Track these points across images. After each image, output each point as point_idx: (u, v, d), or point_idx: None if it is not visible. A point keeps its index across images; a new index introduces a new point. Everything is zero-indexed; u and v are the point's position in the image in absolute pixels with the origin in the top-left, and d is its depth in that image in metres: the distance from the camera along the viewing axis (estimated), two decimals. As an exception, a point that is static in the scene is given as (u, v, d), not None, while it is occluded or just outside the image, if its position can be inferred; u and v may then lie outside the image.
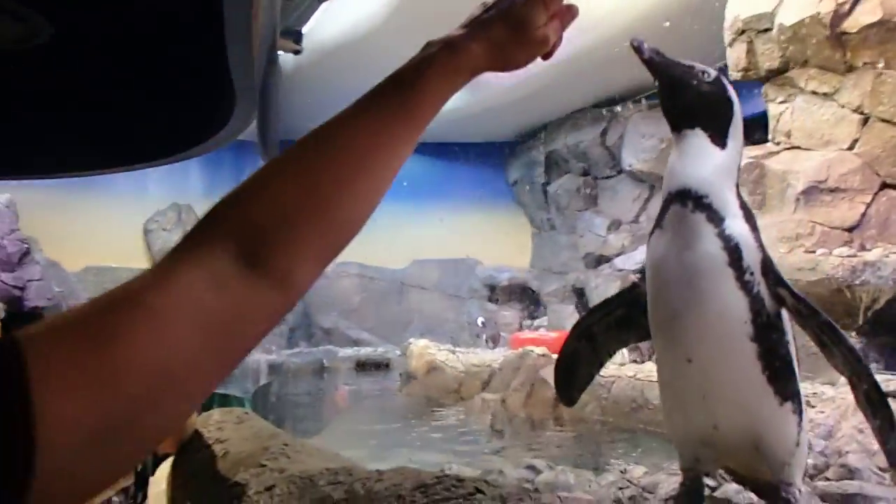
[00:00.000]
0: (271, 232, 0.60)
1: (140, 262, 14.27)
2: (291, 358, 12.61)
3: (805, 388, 2.06)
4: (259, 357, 12.07)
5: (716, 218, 1.56)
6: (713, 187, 1.59)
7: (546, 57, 0.78)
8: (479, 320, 13.36)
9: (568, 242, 13.27)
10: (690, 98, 1.66)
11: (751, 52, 7.37)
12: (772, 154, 7.22)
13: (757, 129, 8.19)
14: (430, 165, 14.30)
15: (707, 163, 1.62)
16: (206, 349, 0.56)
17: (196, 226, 0.63)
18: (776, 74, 7.34)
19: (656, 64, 1.66)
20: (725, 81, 1.70)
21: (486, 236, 14.24)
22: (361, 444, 6.13)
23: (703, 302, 1.56)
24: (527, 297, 14.15)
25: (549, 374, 7.81)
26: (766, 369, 1.55)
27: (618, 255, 11.57)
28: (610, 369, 6.41)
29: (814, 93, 7.05)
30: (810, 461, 2.47)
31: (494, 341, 12.60)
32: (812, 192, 6.79)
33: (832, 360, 1.55)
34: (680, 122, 1.68)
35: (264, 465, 2.19)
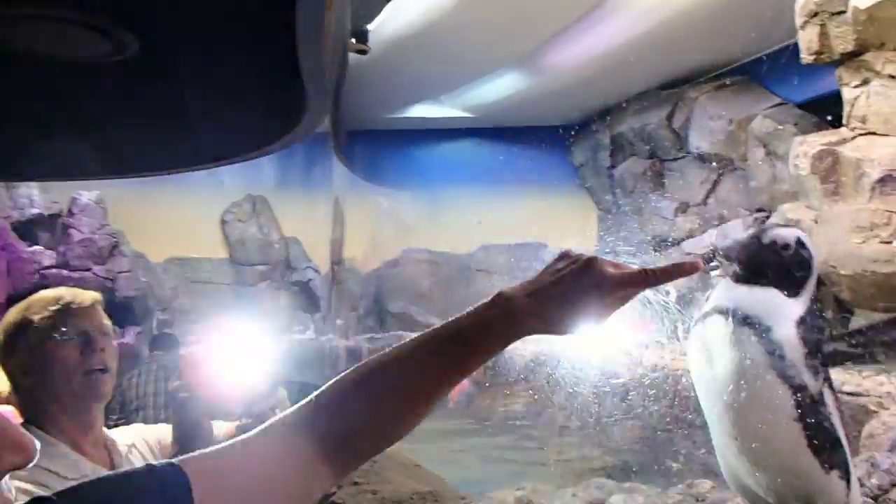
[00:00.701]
0: (342, 435, 0.78)
1: (218, 252, 14.92)
2: (365, 343, 13.02)
3: (881, 381, 2.15)
4: (337, 343, 12.51)
5: (761, 329, 1.68)
6: (766, 314, 1.70)
7: None
8: (546, 304, 13.44)
9: (635, 225, 13.17)
10: (771, 271, 1.77)
11: (823, 34, 7.16)
12: (846, 140, 7.04)
13: (831, 109, 7.98)
14: (494, 150, 14.36)
15: (771, 302, 1.73)
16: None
17: (295, 410, 0.80)
18: (851, 58, 7.12)
19: (742, 259, 1.78)
20: (805, 240, 1.80)
21: (552, 220, 14.25)
22: (440, 438, 6.35)
23: (746, 398, 1.69)
24: (593, 281, 14.14)
25: (616, 364, 7.87)
26: (810, 444, 1.68)
27: (686, 238, 11.46)
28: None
29: (891, 76, 6.81)
30: (874, 480, 2.55)
31: (562, 325, 12.68)
32: (888, 181, 6.61)
33: None
34: (754, 279, 1.79)
35: (358, 482, 2.42)
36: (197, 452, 0.77)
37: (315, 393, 0.82)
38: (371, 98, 12.03)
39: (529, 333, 0.82)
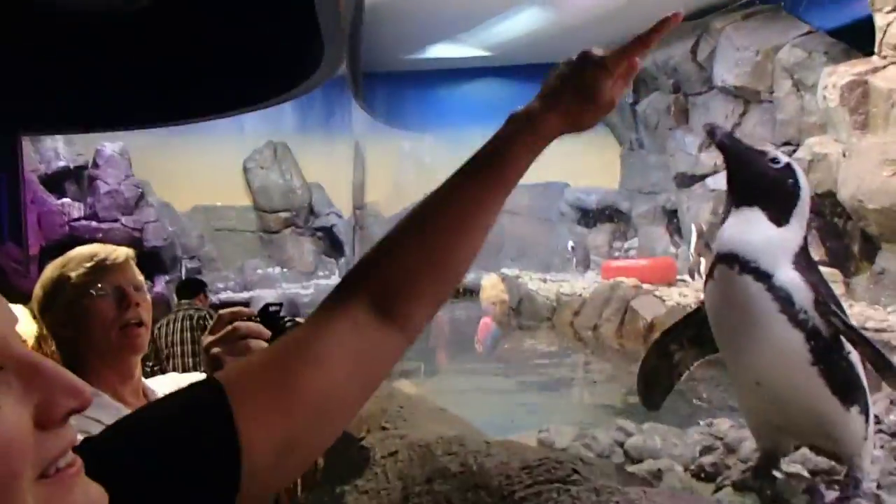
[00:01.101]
0: (396, 288, 0.76)
1: (242, 199, 15.04)
2: (388, 287, 13.14)
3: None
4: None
5: (763, 276, 1.68)
6: (762, 252, 1.71)
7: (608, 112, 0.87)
8: (569, 245, 13.44)
9: (658, 162, 13.00)
10: (754, 181, 1.76)
11: (856, -42, 6.88)
12: (877, 70, 6.82)
13: (863, 37, 7.71)
14: (515, 88, 14.11)
15: (760, 236, 1.73)
16: (352, 382, 0.73)
17: (342, 282, 0.79)
18: (884, -19, 6.85)
19: (727, 147, 1.77)
20: (796, 168, 1.78)
21: (574, 159, 14.05)
22: (466, 383, 6.44)
23: (762, 344, 1.72)
24: (617, 219, 14.08)
25: (640, 305, 7.94)
26: (829, 383, 1.72)
27: (710, 174, 11.29)
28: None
29: (927, 1, 6.55)
30: (893, 417, 2.58)
31: (585, 266, 12.70)
32: (920, 111, 6.44)
33: (888, 382, 1.69)
34: (740, 199, 1.79)
35: (386, 427, 2.51)
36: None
37: (356, 261, 0.81)
38: (389, 39, 11.86)
39: (552, 135, 0.83)
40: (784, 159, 1.79)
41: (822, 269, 7.15)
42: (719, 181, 10.70)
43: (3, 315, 0.47)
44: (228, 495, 0.63)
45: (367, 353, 0.74)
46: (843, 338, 1.73)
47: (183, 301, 4.81)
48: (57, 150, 12.64)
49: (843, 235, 7.85)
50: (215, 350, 1.03)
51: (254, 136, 14.58)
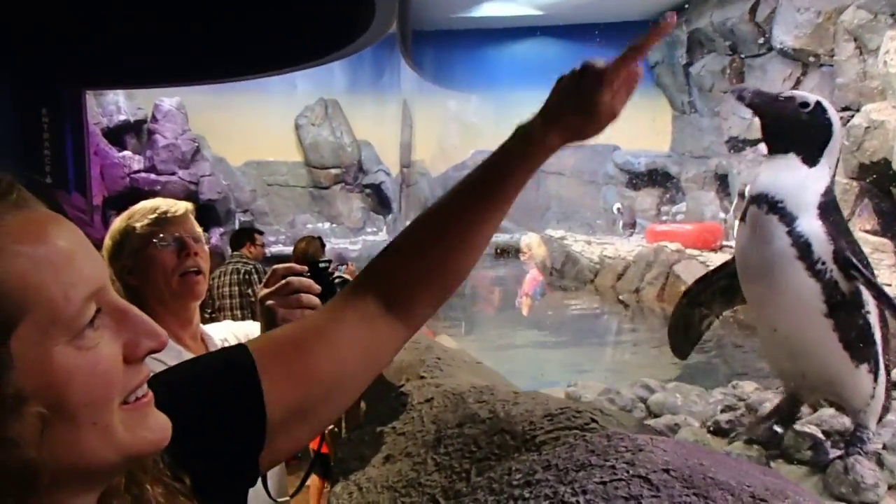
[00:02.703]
0: (401, 289, 0.85)
1: (293, 155, 15.32)
2: (434, 245, 13.28)
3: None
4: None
5: (788, 218, 1.73)
6: (790, 194, 1.75)
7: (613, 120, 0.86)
8: (616, 207, 13.35)
9: (710, 126, 12.75)
10: (787, 128, 1.80)
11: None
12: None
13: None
14: (564, 48, 13.92)
15: (791, 176, 1.78)
16: (359, 365, 0.83)
17: (356, 279, 0.88)
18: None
19: (757, 105, 1.82)
20: (826, 105, 1.81)
21: (624, 121, 13.44)
22: (506, 339, 6.56)
23: (779, 290, 1.79)
24: (666, 183, 13.91)
25: (682, 269, 7.94)
26: (841, 339, 1.78)
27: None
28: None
29: None
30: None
31: (631, 228, 12.64)
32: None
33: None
34: (775, 147, 1.83)
35: (423, 376, 2.68)
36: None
37: (369, 262, 0.89)
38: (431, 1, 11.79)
39: (552, 149, 0.86)
40: (812, 99, 1.81)
41: (873, 238, 6.98)
42: (772, 146, 10.48)
43: (100, 265, 0.54)
44: (255, 450, 0.73)
45: (373, 341, 0.83)
46: (861, 296, 1.78)
47: (234, 253, 5.01)
48: (118, 105, 13.06)
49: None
50: (270, 302, 1.15)
51: (305, 93, 14.74)
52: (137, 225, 1.57)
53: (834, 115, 1.85)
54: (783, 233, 1.77)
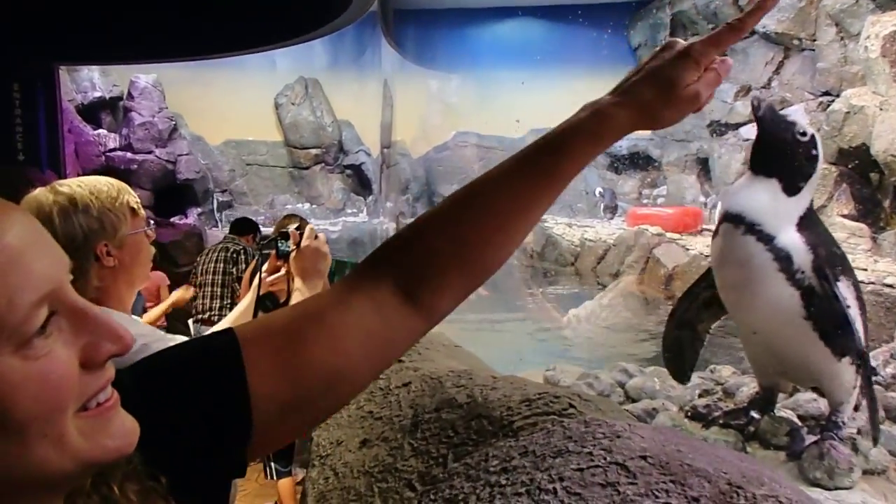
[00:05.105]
0: (422, 274, 0.74)
1: (273, 134, 15.13)
2: (415, 226, 13.23)
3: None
4: (388, 225, 12.79)
5: (766, 238, 1.77)
6: (768, 220, 1.79)
7: (697, 110, 0.75)
8: (598, 190, 13.38)
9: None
10: (780, 153, 1.82)
11: None
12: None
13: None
14: (548, 29, 13.83)
15: (771, 203, 1.81)
16: (364, 359, 0.73)
17: (370, 257, 0.77)
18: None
19: (765, 119, 1.83)
20: (818, 139, 1.84)
21: None
22: (481, 321, 6.58)
23: (759, 299, 1.82)
24: (647, 166, 13.95)
25: (662, 252, 7.97)
26: (822, 336, 1.82)
27: (745, 123, 11.12)
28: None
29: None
30: (889, 370, 2.67)
31: (612, 212, 12.68)
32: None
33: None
34: (760, 167, 1.86)
35: (401, 360, 2.66)
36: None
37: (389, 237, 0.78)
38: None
39: (624, 129, 0.73)
40: (810, 131, 1.86)
41: (850, 223, 7.08)
42: (754, 131, 10.54)
43: (57, 261, 0.49)
44: (239, 444, 0.67)
45: (383, 333, 0.73)
46: (840, 293, 1.81)
47: (230, 235, 4.94)
48: (93, 81, 12.79)
49: (875, 190, 7.75)
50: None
51: (285, 72, 14.52)
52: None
53: (821, 149, 1.89)
54: (762, 249, 1.81)
